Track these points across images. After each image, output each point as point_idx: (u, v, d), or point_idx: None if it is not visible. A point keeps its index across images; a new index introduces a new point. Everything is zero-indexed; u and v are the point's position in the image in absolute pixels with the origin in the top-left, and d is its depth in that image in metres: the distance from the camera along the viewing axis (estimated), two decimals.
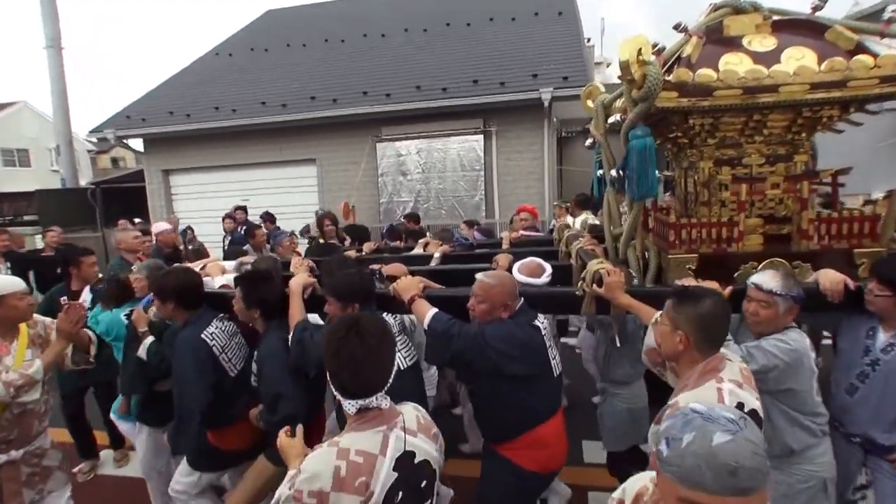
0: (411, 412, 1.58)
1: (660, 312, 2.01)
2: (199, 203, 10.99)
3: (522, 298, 2.45)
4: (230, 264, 3.75)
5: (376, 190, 10.02)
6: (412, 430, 1.50)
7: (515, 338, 2.29)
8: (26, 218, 18.16)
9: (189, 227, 8.17)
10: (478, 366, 2.30)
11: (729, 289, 2.24)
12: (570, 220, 6.50)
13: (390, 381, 1.51)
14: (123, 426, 3.48)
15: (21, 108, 27.79)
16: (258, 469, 2.64)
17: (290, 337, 2.53)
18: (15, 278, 2.66)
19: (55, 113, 12.13)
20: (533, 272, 2.90)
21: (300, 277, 2.79)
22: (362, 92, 9.96)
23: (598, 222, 6.02)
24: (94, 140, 10.61)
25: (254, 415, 2.72)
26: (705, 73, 2.27)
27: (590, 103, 3.08)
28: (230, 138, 10.49)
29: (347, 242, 6.08)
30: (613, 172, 2.52)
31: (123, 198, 11.99)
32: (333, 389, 1.48)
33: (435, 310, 2.42)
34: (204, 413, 2.64)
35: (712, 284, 2.17)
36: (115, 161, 33.96)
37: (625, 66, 2.12)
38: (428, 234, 5.95)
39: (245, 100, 10.60)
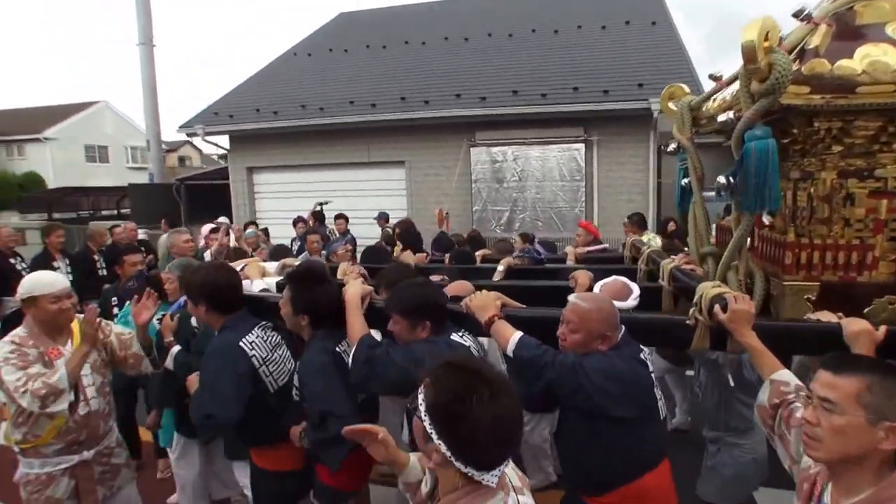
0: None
1: (788, 377, 1.62)
2: (282, 202, 10.79)
3: (624, 328, 2.03)
4: (272, 266, 3.38)
5: (469, 197, 9.57)
6: (518, 488, 1.29)
7: (620, 375, 1.91)
8: (104, 213, 18.82)
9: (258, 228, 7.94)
10: (573, 403, 1.97)
11: (883, 329, 1.69)
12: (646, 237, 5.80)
13: None
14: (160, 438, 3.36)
15: (102, 107, 29.12)
16: None
17: (352, 353, 2.16)
18: (54, 278, 2.53)
19: (145, 109, 12.29)
20: (618, 294, 2.41)
21: (357, 286, 2.36)
22: (455, 94, 9.56)
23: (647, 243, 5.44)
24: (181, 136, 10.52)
25: (295, 434, 2.36)
26: (846, 66, 1.79)
27: (672, 105, 2.74)
28: (316, 137, 10.26)
29: (398, 249, 5.51)
30: (722, 179, 2.04)
31: (207, 195, 11.99)
32: (449, 454, 1.15)
33: (520, 333, 2.03)
34: (243, 427, 2.36)
35: (832, 317, 1.83)
36: (181, 160, 35.12)
37: (749, 51, 1.74)
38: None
39: (332, 99, 10.37)
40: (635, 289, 2.46)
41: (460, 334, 2.20)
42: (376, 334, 2.38)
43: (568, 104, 8.61)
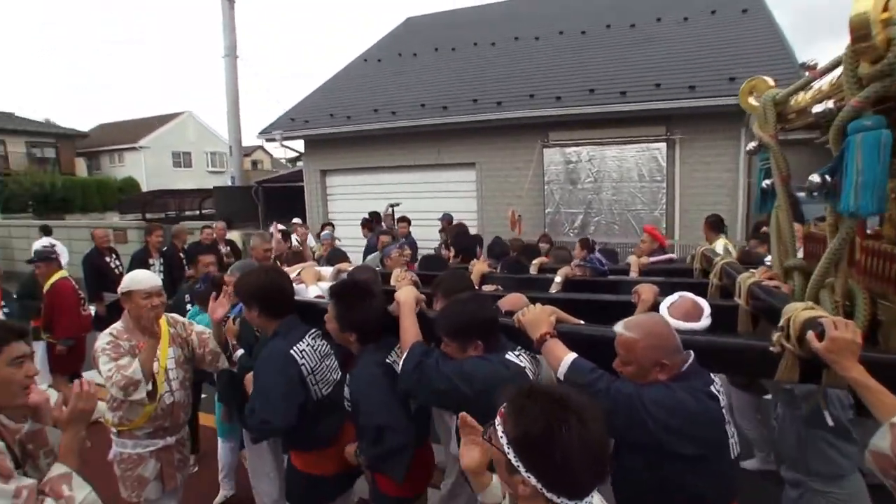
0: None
1: None
2: (353, 204, 10.95)
3: (692, 355, 1.80)
4: (327, 271, 3.38)
5: (542, 199, 9.29)
6: None
7: (685, 409, 1.71)
8: (187, 213, 20.02)
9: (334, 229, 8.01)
10: (630, 436, 1.77)
11: None
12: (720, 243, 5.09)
13: None
14: (226, 431, 3.55)
15: (187, 117, 31.25)
16: None
17: (402, 359, 2.09)
18: (148, 276, 2.68)
19: (228, 117, 12.94)
20: (689, 314, 2.11)
21: (411, 291, 2.28)
22: (529, 95, 9.32)
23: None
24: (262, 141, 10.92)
25: (350, 453, 2.38)
26: None
27: (752, 100, 2.42)
28: (387, 140, 10.35)
29: (452, 255, 5.31)
30: (816, 177, 1.67)
31: (283, 197, 12.41)
32: (540, 486, 1.11)
33: (574, 355, 1.87)
34: (287, 434, 2.42)
35: None
36: (254, 164, 36.91)
37: (860, 25, 1.44)
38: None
39: (404, 102, 10.43)
40: (706, 307, 2.19)
41: (517, 353, 2.07)
42: None
43: (649, 101, 8.15)
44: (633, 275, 3.49)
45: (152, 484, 2.66)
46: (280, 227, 6.57)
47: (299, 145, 11.70)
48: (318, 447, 2.48)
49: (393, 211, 9.57)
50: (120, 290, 2.63)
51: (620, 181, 8.80)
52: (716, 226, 5.46)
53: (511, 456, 1.12)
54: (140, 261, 6.01)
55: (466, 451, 1.42)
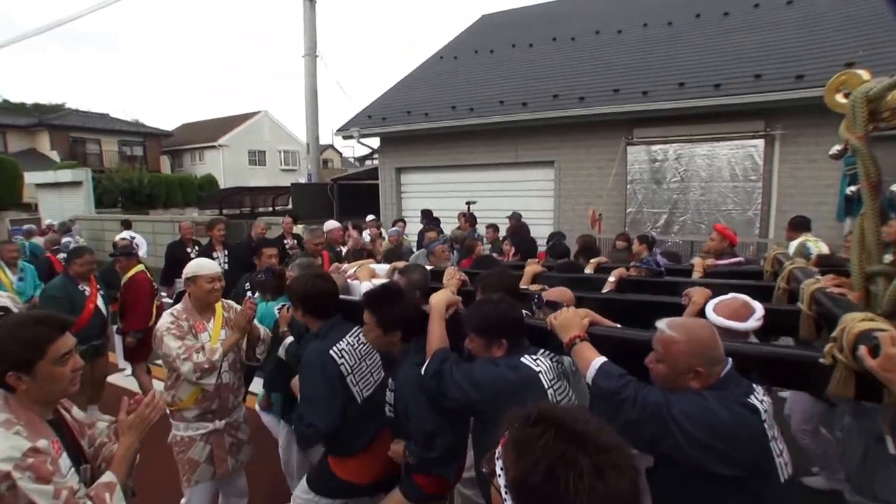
0: None
1: None
2: (428, 202, 10.95)
3: (730, 362, 1.68)
4: (382, 269, 3.47)
5: (623, 198, 8.95)
6: None
7: (718, 423, 1.55)
8: (261, 210, 20.80)
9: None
10: (661, 448, 1.63)
11: None
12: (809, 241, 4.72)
13: None
14: (265, 419, 3.50)
15: (262, 116, 32.55)
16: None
17: (425, 366, 2.12)
18: (211, 263, 2.92)
19: (306, 114, 13.30)
20: (736, 314, 2.10)
21: (443, 294, 2.31)
22: (613, 90, 8.99)
23: (815, 249, 4.43)
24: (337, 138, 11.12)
25: (397, 451, 2.35)
26: None
27: (839, 98, 2.21)
28: (464, 138, 10.30)
29: (511, 255, 5.17)
30: None
31: (357, 194, 12.63)
32: None
33: (602, 359, 1.81)
34: (329, 436, 2.43)
35: None
36: (324, 162, 37.89)
37: None
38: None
39: (482, 99, 10.32)
40: (758, 309, 2.11)
41: (535, 356, 2.03)
42: None
43: (748, 94, 7.63)
44: (696, 276, 3.36)
45: (203, 466, 2.76)
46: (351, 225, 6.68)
47: (373, 142, 11.88)
48: (356, 453, 2.50)
49: (469, 208, 9.52)
50: (185, 275, 2.83)
51: (710, 180, 8.33)
52: (799, 226, 5.13)
53: (508, 502, 0.89)
54: (205, 254, 6.20)
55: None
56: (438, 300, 2.26)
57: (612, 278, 3.15)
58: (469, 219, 8.52)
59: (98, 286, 4.69)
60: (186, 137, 32.50)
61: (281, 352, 2.98)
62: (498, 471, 0.93)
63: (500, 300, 2.15)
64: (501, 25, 14.65)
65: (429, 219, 9.26)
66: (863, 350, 1.45)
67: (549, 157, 9.68)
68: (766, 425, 1.61)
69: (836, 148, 2.21)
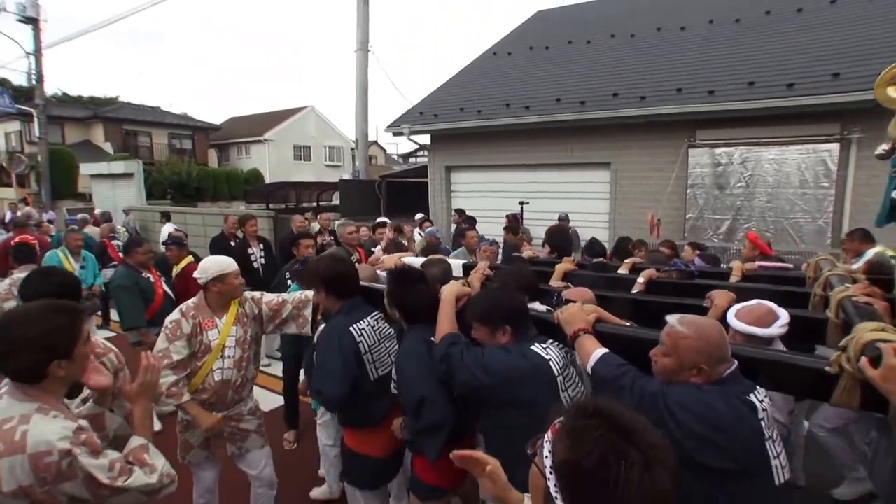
0: None
1: None
2: (478, 202, 10.87)
3: (735, 363, 1.73)
4: (417, 262, 3.54)
5: (683, 203, 8.64)
6: None
7: (715, 415, 1.60)
8: (304, 205, 21.09)
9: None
10: None
11: None
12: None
13: None
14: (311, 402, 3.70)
15: (309, 111, 32.97)
16: None
17: (435, 350, 2.22)
18: (229, 259, 2.95)
19: (356, 110, 13.35)
20: (760, 320, 2.16)
21: (453, 285, 2.45)
22: (675, 89, 8.67)
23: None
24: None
25: (397, 426, 2.56)
26: None
27: (891, 92, 2.22)
28: (516, 137, 10.13)
29: (546, 252, 5.23)
30: None
31: (405, 191, 12.61)
32: None
33: (603, 350, 1.90)
34: (342, 407, 2.59)
35: None
36: (369, 159, 38.13)
37: None
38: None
39: (538, 97, 10.12)
40: (783, 316, 2.15)
41: (545, 345, 2.10)
42: None
43: (825, 94, 7.22)
44: (734, 279, 3.30)
45: (196, 450, 2.92)
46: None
47: (417, 139, 11.80)
48: (368, 425, 2.63)
49: (522, 209, 9.37)
50: (210, 273, 2.84)
51: (777, 186, 7.95)
52: (868, 236, 4.71)
53: (552, 483, 0.92)
54: (241, 248, 6.28)
55: (481, 482, 1.30)
56: (449, 290, 2.37)
57: (641, 279, 3.17)
58: (512, 220, 8.55)
59: (158, 273, 4.88)
60: (233, 131, 33.22)
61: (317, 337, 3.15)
62: (546, 453, 0.95)
63: (498, 289, 2.27)
64: (557, 22, 14.38)
65: (465, 217, 9.25)
66: (864, 361, 1.45)
67: (606, 159, 9.42)
68: (763, 424, 1.63)
69: (883, 147, 2.10)
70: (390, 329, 2.75)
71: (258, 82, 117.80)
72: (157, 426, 3.95)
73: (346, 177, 29.91)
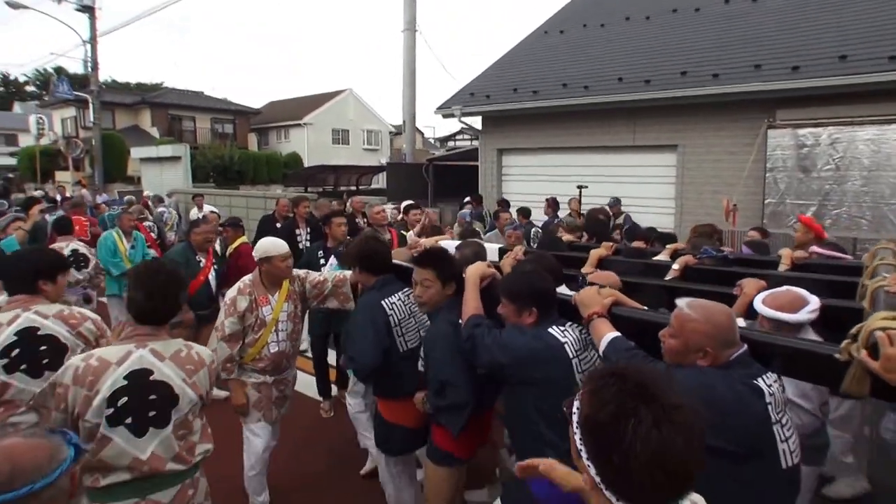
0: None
1: None
2: (530, 186, 10.42)
3: (745, 347, 1.72)
4: (451, 245, 3.63)
5: (761, 187, 7.98)
6: None
7: (718, 398, 1.58)
8: (342, 188, 20.99)
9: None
10: None
11: None
12: None
13: None
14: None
15: (347, 94, 32.75)
16: (430, 478, 2.62)
17: (462, 328, 2.30)
18: (280, 242, 3.13)
19: (404, 92, 12.98)
20: (789, 305, 2.13)
21: (479, 266, 2.49)
22: (753, 65, 7.96)
23: None
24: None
25: (419, 399, 2.64)
26: None
27: None
28: (573, 118, 9.60)
29: (584, 238, 5.18)
30: None
31: (454, 175, 12.23)
32: (598, 479, 0.96)
33: (615, 333, 1.93)
34: (374, 376, 2.75)
35: None
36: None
37: None
38: None
39: (598, 76, 9.54)
40: (813, 302, 2.14)
41: (562, 327, 2.16)
42: None
43: None
44: (783, 268, 3.18)
45: (252, 411, 3.12)
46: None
47: (467, 121, 11.36)
48: (400, 396, 2.75)
49: (580, 194, 8.88)
50: (258, 254, 3.10)
51: (875, 169, 7.20)
52: None
53: (577, 437, 1.00)
54: (288, 229, 6.33)
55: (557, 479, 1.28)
56: (473, 271, 2.43)
57: (676, 266, 3.15)
58: (552, 205, 8.28)
59: (214, 261, 4.89)
60: (273, 115, 33.34)
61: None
62: (574, 410, 1.01)
63: (532, 271, 2.31)
64: None
65: (506, 205, 8.92)
66: (864, 352, 1.49)
67: (673, 141, 8.82)
68: (770, 408, 1.64)
69: None
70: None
71: (297, 66, 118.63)
72: (224, 393, 4.30)
73: (384, 161, 29.77)
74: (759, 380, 1.67)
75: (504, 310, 2.22)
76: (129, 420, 1.85)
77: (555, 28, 12.67)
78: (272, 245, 3.10)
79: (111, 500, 1.84)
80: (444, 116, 10.82)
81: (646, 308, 2.21)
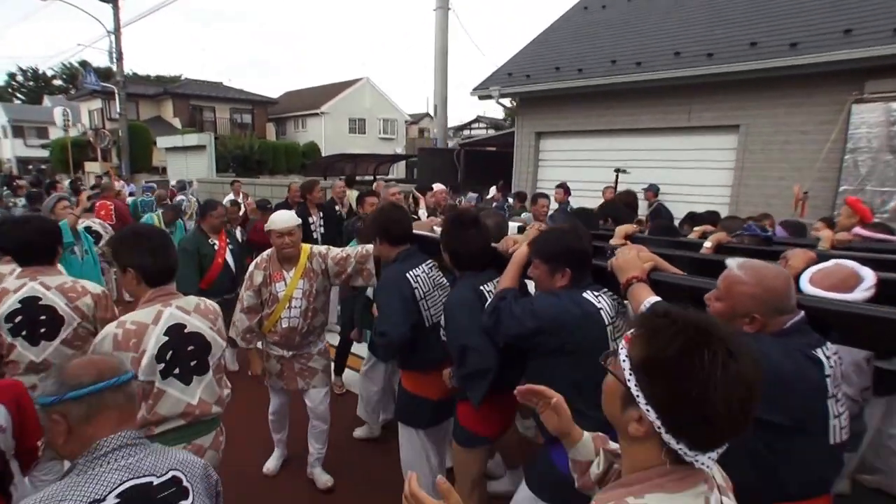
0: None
1: None
2: (570, 171, 9.66)
3: (802, 314, 1.60)
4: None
5: (835, 173, 7.16)
6: (723, 488, 1.02)
7: (775, 368, 1.43)
8: (358, 178, 20.51)
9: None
10: None
11: None
12: None
13: None
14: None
15: (364, 83, 32.21)
16: (457, 461, 2.61)
17: (488, 302, 2.23)
18: (282, 217, 3.12)
19: (435, 74, 12.26)
20: (842, 283, 1.80)
21: (524, 251, 2.27)
22: (840, 31, 7.10)
23: None
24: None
25: (447, 374, 2.63)
26: None
27: None
28: (621, 98, 8.83)
29: (610, 224, 4.63)
30: None
31: (485, 161, 11.57)
32: (659, 423, 0.91)
33: (655, 298, 1.75)
34: (401, 347, 2.64)
35: None
36: (421, 132, 37.31)
37: None
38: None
39: (651, 51, 8.74)
40: (868, 278, 1.79)
41: (597, 293, 2.05)
42: None
43: None
44: (823, 247, 2.93)
45: (273, 378, 3.29)
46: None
47: (486, 107, 10.65)
48: (426, 368, 2.71)
49: (618, 177, 8.14)
50: (267, 228, 3.14)
51: None
52: None
53: (632, 384, 0.93)
54: (300, 214, 6.04)
55: (544, 416, 1.33)
56: (522, 252, 2.27)
57: (708, 244, 2.90)
58: (566, 189, 7.82)
59: (228, 241, 4.81)
60: (290, 105, 32.94)
61: (370, 291, 3.50)
62: (623, 359, 0.96)
63: (567, 230, 2.15)
64: None
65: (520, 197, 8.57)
66: None
67: (734, 121, 8.00)
68: (828, 381, 1.56)
69: None
70: (443, 279, 2.83)
71: (311, 57, 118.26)
72: (235, 366, 4.59)
73: (399, 150, 29.16)
74: (819, 350, 1.58)
75: (535, 271, 2.12)
76: (176, 371, 2.01)
77: (596, 3, 11.83)
78: (276, 218, 3.12)
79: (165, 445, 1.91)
80: (481, 98, 10.12)
81: (683, 273, 2.04)
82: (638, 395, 0.92)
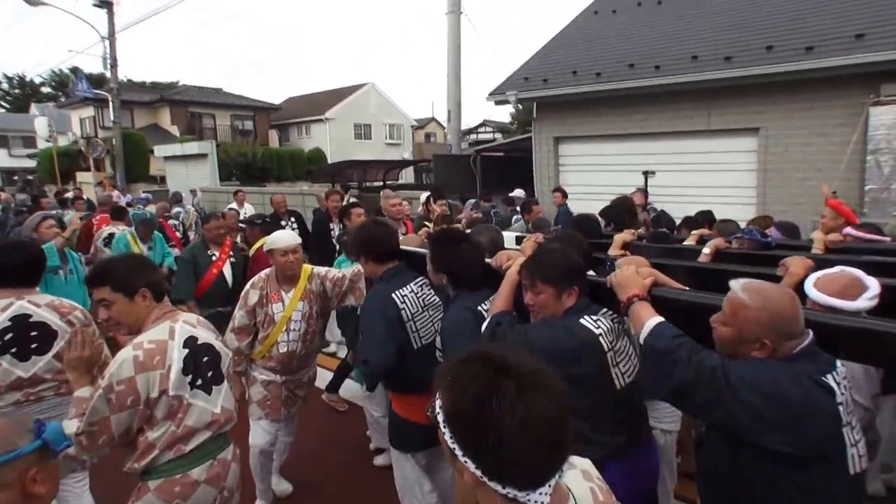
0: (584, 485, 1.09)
1: None
2: (590, 176, 9.81)
3: (811, 334, 1.54)
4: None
5: (859, 172, 7.31)
6: None
7: (781, 395, 1.42)
8: (366, 184, 20.53)
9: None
10: (714, 417, 1.55)
11: None
12: None
13: None
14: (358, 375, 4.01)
15: (369, 88, 32.22)
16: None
17: (483, 326, 2.13)
18: (285, 236, 3.10)
19: (448, 78, 12.39)
20: (845, 291, 1.82)
21: (516, 269, 2.20)
22: (853, 35, 7.28)
23: None
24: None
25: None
26: None
27: None
28: (640, 102, 8.97)
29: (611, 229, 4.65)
30: None
31: (503, 166, 11.66)
32: (479, 473, 0.91)
33: (658, 319, 1.68)
34: (387, 373, 2.55)
35: None
36: (427, 136, 37.36)
37: None
38: None
39: (668, 55, 8.88)
40: (872, 286, 1.80)
41: (596, 316, 1.96)
42: None
43: None
44: (817, 251, 3.02)
45: (254, 406, 3.07)
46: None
47: (495, 111, 10.75)
48: (414, 391, 2.54)
49: (647, 180, 8.26)
50: (267, 247, 3.06)
51: None
52: None
53: (447, 436, 0.93)
54: (321, 223, 6.28)
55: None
56: (516, 271, 2.19)
57: (706, 250, 2.95)
58: (564, 193, 7.92)
59: (230, 253, 4.80)
60: (293, 111, 32.85)
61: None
62: (437, 411, 0.96)
63: (556, 250, 2.10)
64: None
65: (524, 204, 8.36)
66: None
67: (754, 124, 8.15)
68: (841, 409, 1.47)
69: None
70: (435, 297, 2.68)
71: (312, 62, 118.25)
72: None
73: (407, 155, 29.19)
74: (829, 376, 1.49)
75: (541, 296, 1.99)
76: (199, 382, 2.01)
77: (606, 7, 11.98)
78: (278, 237, 3.07)
79: (194, 466, 1.96)
80: (497, 103, 10.24)
81: (686, 288, 1.99)
82: (454, 447, 0.92)
